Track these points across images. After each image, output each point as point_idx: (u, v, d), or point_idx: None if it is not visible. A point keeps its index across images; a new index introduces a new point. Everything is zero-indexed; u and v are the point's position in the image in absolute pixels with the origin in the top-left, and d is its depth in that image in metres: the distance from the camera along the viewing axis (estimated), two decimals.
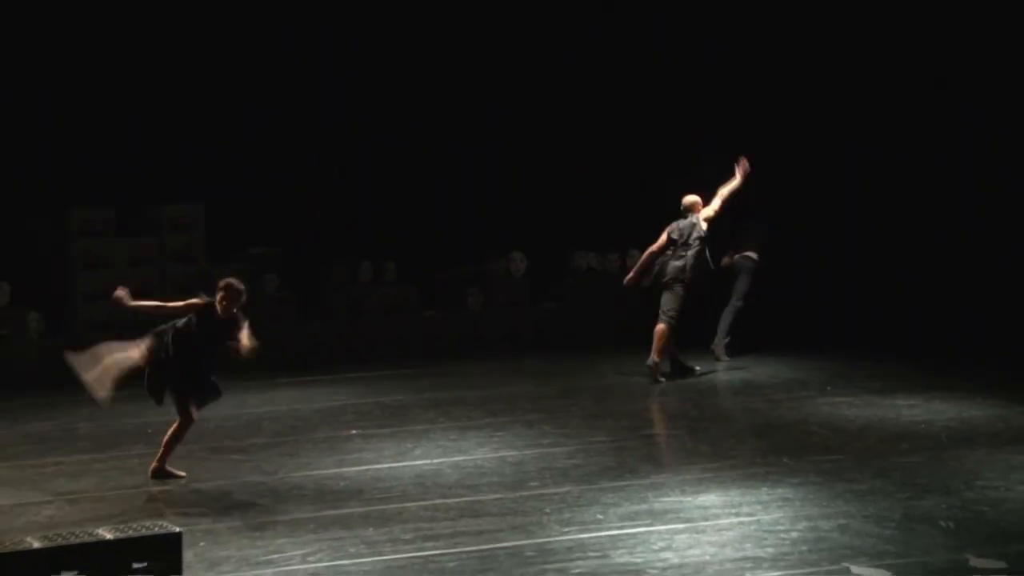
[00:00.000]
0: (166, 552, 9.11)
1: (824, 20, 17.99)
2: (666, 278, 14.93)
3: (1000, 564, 9.26)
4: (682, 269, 14.89)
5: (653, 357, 14.85)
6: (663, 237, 15.01)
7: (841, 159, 18.00)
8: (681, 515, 10.32)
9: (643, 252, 15.39)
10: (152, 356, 11.46)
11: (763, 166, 16.66)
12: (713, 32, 18.35)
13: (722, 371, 15.41)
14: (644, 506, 10.54)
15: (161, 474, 11.50)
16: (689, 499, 10.71)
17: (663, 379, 14.90)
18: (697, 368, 15.26)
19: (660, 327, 14.86)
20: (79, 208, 16.17)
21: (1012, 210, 16.99)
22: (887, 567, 9.21)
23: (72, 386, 14.95)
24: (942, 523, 10.10)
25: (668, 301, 14.91)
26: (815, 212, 17.60)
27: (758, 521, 10.16)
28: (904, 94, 17.85)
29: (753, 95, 18.23)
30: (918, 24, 17.53)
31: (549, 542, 9.79)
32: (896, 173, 17.74)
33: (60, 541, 9.08)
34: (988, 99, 17.32)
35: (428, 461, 11.80)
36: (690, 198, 15.17)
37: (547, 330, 17.24)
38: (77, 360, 11.67)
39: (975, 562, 9.31)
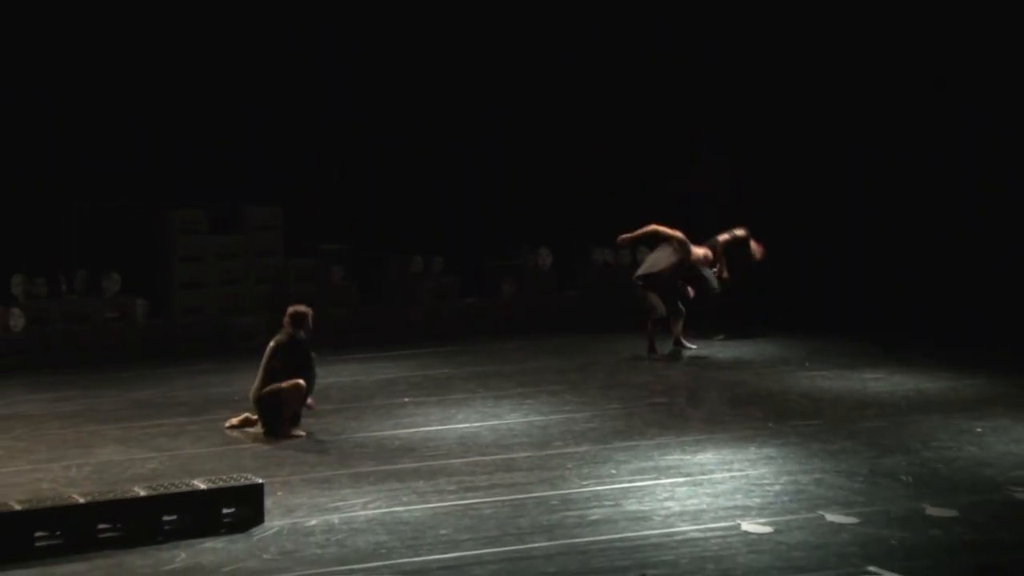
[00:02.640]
0: (250, 500, 9.20)
1: (823, 20, 17.27)
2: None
3: (952, 512, 9.27)
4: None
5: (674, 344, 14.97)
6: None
7: (825, 160, 17.39)
8: (682, 470, 10.34)
9: (651, 250, 15.23)
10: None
11: (757, 165, 16.46)
12: (713, 32, 17.70)
13: (716, 349, 15.35)
14: (650, 463, 10.56)
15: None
16: (689, 457, 10.73)
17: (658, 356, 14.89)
18: (692, 346, 15.16)
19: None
20: (178, 210, 16.21)
21: (979, 207, 16.43)
22: (856, 514, 9.22)
23: (172, 359, 15.22)
24: (903, 477, 10.10)
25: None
26: (795, 209, 17.11)
27: (747, 476, 10.18)
28: (890, 85, 17.00)
29: (751, 94, 17.66)
30: (915, 23, 16.69)
31: (570, 493, 9.83)
32: (875, 172, 17.14)
33: (162, 490, 9.17)
34: (965, 92, 16.44)
35: (468, 424, 11.83)
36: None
37: (569, 314, 17.20)
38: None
39: (931, 511, 9.31)
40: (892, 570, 8.13)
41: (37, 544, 8.64)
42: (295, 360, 11.61)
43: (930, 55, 16.69)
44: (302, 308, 11.90)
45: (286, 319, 11.83)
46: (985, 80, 16.41)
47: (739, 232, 15.52)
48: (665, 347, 15.02)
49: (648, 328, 14.83)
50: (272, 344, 11.75)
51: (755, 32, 17.59)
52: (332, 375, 14.15)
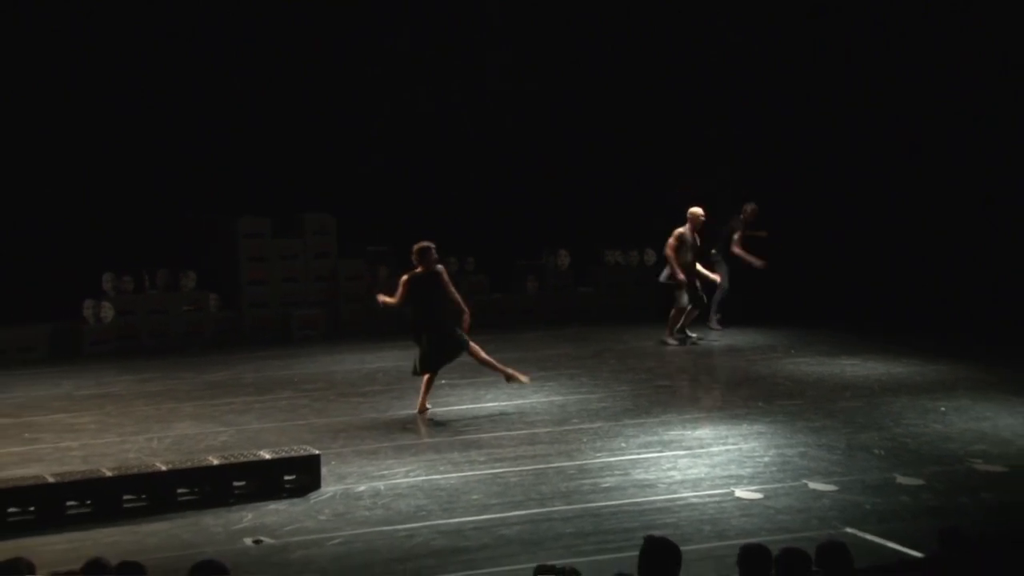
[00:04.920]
0: (308, 468, 9.24)
1: (824, 21, 16.88)
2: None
3: (919, 481, 9.25)
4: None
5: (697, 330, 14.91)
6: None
7: (807, 166, 17.08)
8: (683, 444, 10.34)
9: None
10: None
11: (751, 171, 16.18)
12: (718, 46, 17.45)
13: (714, 338, 15.35)
14: (656, 437, 10.56)
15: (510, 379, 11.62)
16: (689, 432, 10.72)
17: (673, 343, 14.78)
18: (694, 336, 15.16)
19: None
20: (246, 217, 16.25)
21: (951, 208, 16.13)
22: (835, 483, 9.20)
23: (240, 346, 15.27)
24: (876, 451, 10.08)
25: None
26: (781, 213, 16.59)
27: (739, 449, 10.16)
28: (872, 83, 16.45)
29: (749, 96, 17.31)
30: (914, 24, 16.25)
31: (585, 463, 9.84)
32: (853, 178, 16.85)
33: (232, 459, 9.21)
34: (945, 90, 15.89)
35: (496, 403, 11.82)
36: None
37: (584, 308, 17.19)
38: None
39: (901, 480, 9.29)
40: (867, 531, 8.11)
41: (125, 506, 8.71)
42: (437, 289, 11.25)
43: (913, 50, 16.27)
44: (425, 243, 11.43)
45: (414, 257, 11.35)
46: (967, 76, 15.93)
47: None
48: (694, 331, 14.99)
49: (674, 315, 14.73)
50: (406, 278, 11.32)
51: (755, 33, 17.29)
52: (378, 360, 14.18)
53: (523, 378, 11.70)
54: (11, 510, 8.46)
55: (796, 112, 17.12)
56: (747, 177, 15.72)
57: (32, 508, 8.51)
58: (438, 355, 11.36)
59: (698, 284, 14.78)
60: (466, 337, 11.37)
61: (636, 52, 17.69)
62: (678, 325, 14.76)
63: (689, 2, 17.69)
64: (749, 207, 15.61)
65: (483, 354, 11.52)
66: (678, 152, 17.43)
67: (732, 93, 17.52)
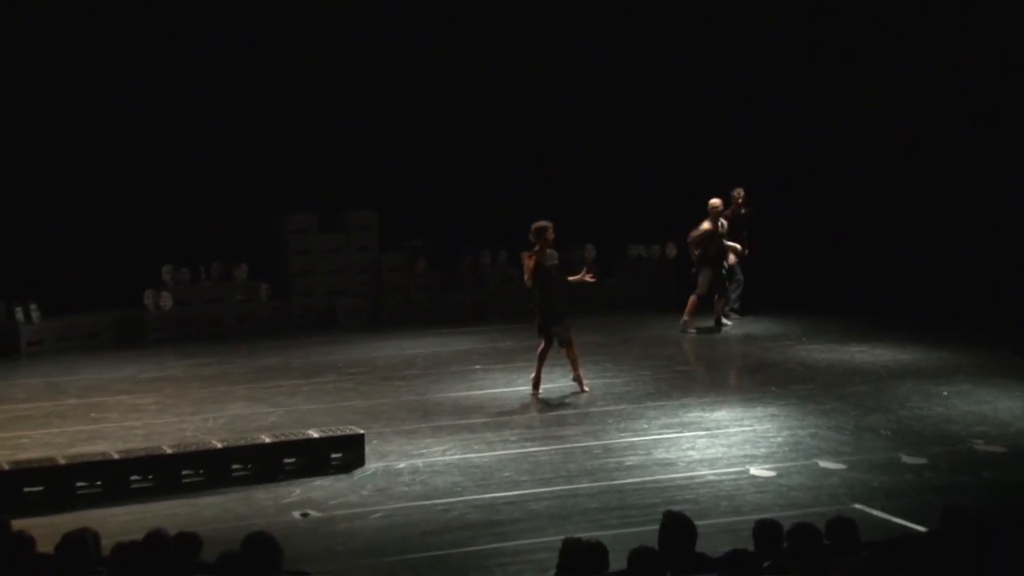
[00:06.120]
0: (353, 447, 9.28)
1: (824, 21, 16.55)
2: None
3: (923, 461, 9.20)
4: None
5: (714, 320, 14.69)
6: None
7: (817, 161, 16.76)
8: (701, 425, 10.31)
9: (686, 241, 14.72)
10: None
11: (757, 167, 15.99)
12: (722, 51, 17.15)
13: (731, 328, 15.24)
14: (676, 419, 10.53)
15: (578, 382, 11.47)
16: (707, 415, 10.69)
17: (693, 331, 14.65)
18: (728, 322, 14.90)
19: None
20: (293, 214, 16.31)
21: (953, 202, 15.88)
22: (844, 462, 9.17)
23: (289, 333, 15.33)
24: (882, 432, 10.03)
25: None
26: (791, 206, 16.48)
27: (754, 430, 10.13)
28: (874, 82, 16.13)
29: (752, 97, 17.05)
30: (914, 24, 15.94)
31: (610, 443, 9.83)
32: (860, 175, 16.55)
33: (282, 438, 9.26)
34: (945, 87, 15.59)
35: (528, 387, 11.73)
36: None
37: (609, 298, 17.15)
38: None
39: (905, 459, 9.25)
40: (874, 508, 8.08)
41: (183, 480, 8.77)
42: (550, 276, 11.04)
43: (913, 50, 15.95)
44: (542, 222, 11.08)
45: (532, 236, 11.03)
46: (968, 76, 15.66)
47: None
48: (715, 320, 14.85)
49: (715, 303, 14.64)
50: (539, 265, 10.99)
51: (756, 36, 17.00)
52: (418, 347, 14.21)
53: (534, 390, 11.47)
54: (80, 484, 8.55)
55: (796, 112, 16.82)
56: (747, 177, 15.56)
57: (99, 482, 8.59)
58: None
59: (723, 271, 14.62)
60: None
61: (636, 52, 17.35)
62: (716, 314, 14.62)
63: (689, 2, 17.33)
64: (736, 192, 15.30)
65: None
66: (678, 152, 17.17)
67: (732, 93, 17.21)
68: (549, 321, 11.23)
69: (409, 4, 16.88)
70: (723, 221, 14.57)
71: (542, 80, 17.47)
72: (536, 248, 11.13)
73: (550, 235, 11.07)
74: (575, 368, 11.53)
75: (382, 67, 16.94)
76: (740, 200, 15.22)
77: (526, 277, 11.15)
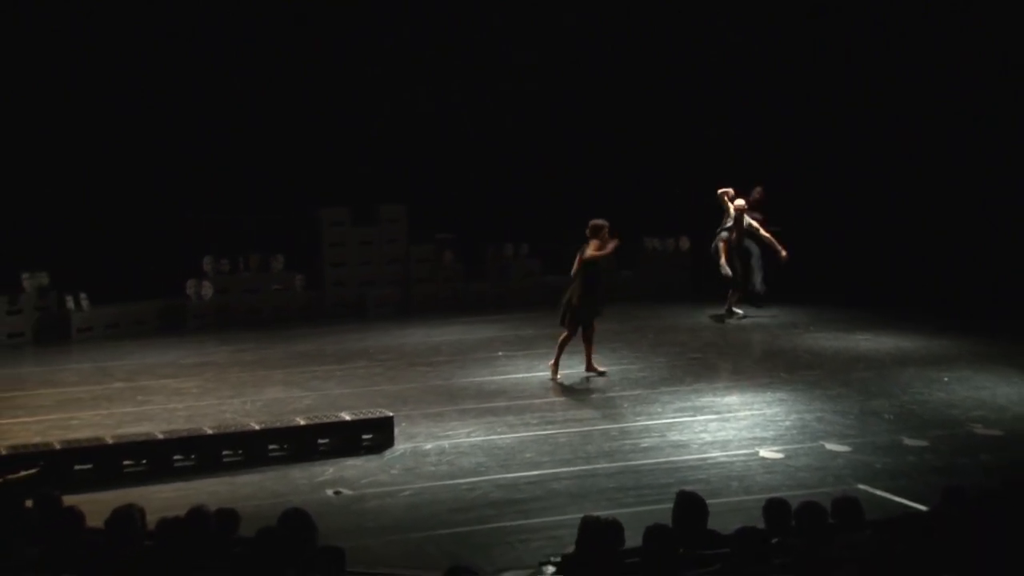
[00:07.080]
0: (383, 429, 9.31)
1: (824, 21, 16.27)
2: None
3: (924, 443, 9.16)
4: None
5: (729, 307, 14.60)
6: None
7: (826, 155, 16.47)
8: (713, 409, 10.29)
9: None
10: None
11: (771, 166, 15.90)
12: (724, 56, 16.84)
13: (741, 317, 15.13)
14: (689, 403, 10.51)
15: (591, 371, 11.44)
16: (718, 399, 10.67)
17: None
18: (740, 312, 14.76)
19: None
20: (328, 208, 16.32)
21: (949, 199, 15.66)
22: (849, 444, 9.13)
23: (323, 321, 15.36)
24: (886, 416, 9.98)
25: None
26: (800, 200, 16.12)
27: (763, 414, 10.10)
28: (880, 80, 15.84)
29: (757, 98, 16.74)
30: (914, 24, 15.67)
31: (627, 426, 9.83)
32: (867, 168, 16.30)
33: (316, 420, 9.30)
34: (948, 86, 15.36)
35: (548, 373, 11.72)
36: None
37: (625, 288, 17.08)
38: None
39: (908, 442, 9.21)
40: (877, 488, 8.06)
41: (223, 460, 8.82)
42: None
43: (913, 50, 15.68)
44: (599, 221, 11.18)
45: (588, 232, 11.14)
46: (968, 76, 15.42)
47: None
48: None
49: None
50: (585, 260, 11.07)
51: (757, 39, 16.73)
52: (444, 334, 14.22)
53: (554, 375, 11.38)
54: (126, 463, 8.61)
55: (796, 112, 16.57)
56: (747, 177, 15.43)
57: (144, 461, 8.65)
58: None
59: (744, 262, 14.47)
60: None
61: (636, 52, 17.09)
62: (727, 305, 14.55)
63: (689, 2, 17.03)
64: (756, 191, 15.19)
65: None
66: (678, 152, 16.94)
67: (732, 93, 16.94)
68: (586, 313, 11.16)
69: (409, 4, 16.74)
70: (750, 222, 14.33)
71: (568, 78, 17.20)
72: (593, 243, 11.10)
73: (604, 234, 11.16)
74: (588, 357, 11.46)
75: (382, 67, 16.83)
76: (759, 196, 15.13)
77: (607, 251, 11.06)
